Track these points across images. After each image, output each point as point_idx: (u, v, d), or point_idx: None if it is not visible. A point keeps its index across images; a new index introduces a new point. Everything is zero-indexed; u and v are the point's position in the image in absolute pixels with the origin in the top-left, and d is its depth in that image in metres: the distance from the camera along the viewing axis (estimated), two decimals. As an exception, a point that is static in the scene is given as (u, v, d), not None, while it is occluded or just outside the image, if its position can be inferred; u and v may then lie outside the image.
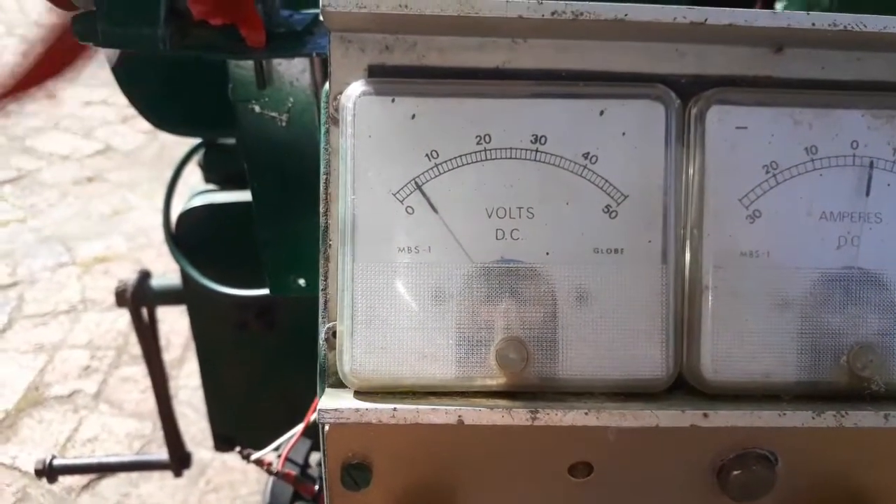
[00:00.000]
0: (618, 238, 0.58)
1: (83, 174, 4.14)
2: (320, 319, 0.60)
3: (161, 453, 1.95)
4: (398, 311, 0.57)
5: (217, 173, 1.52)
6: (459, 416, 0.55)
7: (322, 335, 0.60)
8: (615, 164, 0.58)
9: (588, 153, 0.58)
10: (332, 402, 0.55)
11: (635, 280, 0.58)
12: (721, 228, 0.58)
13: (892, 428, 0.57)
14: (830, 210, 0.59)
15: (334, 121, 0.58)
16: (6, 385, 2.88)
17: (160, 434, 1.92)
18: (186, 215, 1.49)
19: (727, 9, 0.55)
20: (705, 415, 0.56)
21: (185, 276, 1.56)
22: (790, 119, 0.59)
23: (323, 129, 0.59)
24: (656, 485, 0.63)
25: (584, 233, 0.58)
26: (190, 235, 1.51)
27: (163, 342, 2.58)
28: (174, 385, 2.82)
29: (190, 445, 1.96)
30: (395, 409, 0.55)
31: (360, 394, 0.58)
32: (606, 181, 0.58)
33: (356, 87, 0.57)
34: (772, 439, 0.60)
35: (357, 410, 0.55)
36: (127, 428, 2.75)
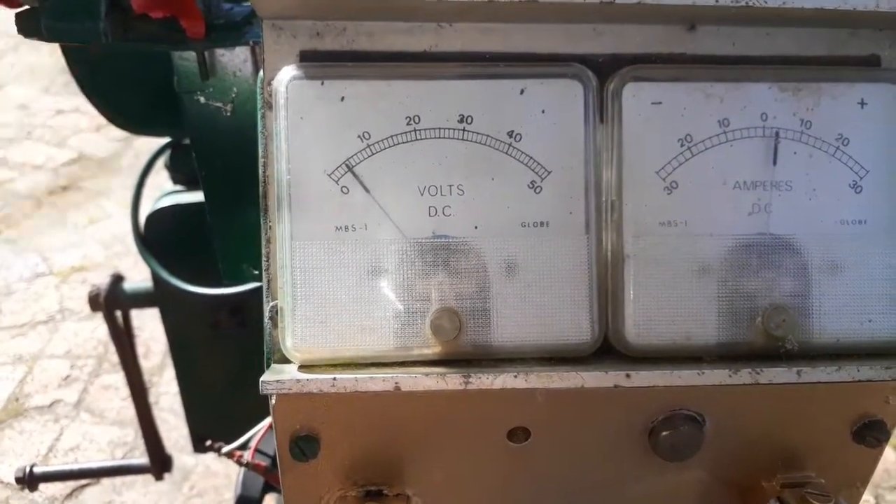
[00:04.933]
0: (543, 211, 0.61)
1: (58, 183, 4.13)
2: (265, 298, 0.63)
3: (142, 458, 1.96)
4: (336, 286, 0.60)
5: (183, 174, 1.54)
6: (396, 383, 0.58)
7: (267, 314, 0.63)
8: (538, 142, 0.61)
9: (512, 131, 0.61)
10: (274, 375, 0.58)
11: (560, 251, 0.61)
12: (640, 200, 0.62)
13: (805, 383, 0.60)
14: (743, 179, 0.62)
15: (269, 105, 0.61)
16: (-15, 397, 2.88)
17: (143, 441, 1.93)
18: (154, 216, 1.51)
19: (637, -10, 0.58)
20: (628, 375, 0.59)
21: (156, 277, 1.58)
22: (703, 93, 0.62)
23: (259, 115, 0.62)
24: (592, 448, 0.66)
25: (510, 207, 0.61)
26: (159, 236, 1.52)
27: (142, 349, 2.60)
28: (155, 392, 2.83)
29: (173, 451, 1.98)
30: (335, 379, 0.58)
31: (304, 367, 0.60)
32: (531, 158, 0.61)
33: (287, 72, 0.59)
34: (698, 400, 0.63)
35: (298, 381, 0.58)
36: (109, 436, 2.75)
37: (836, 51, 0.65)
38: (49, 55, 5.27)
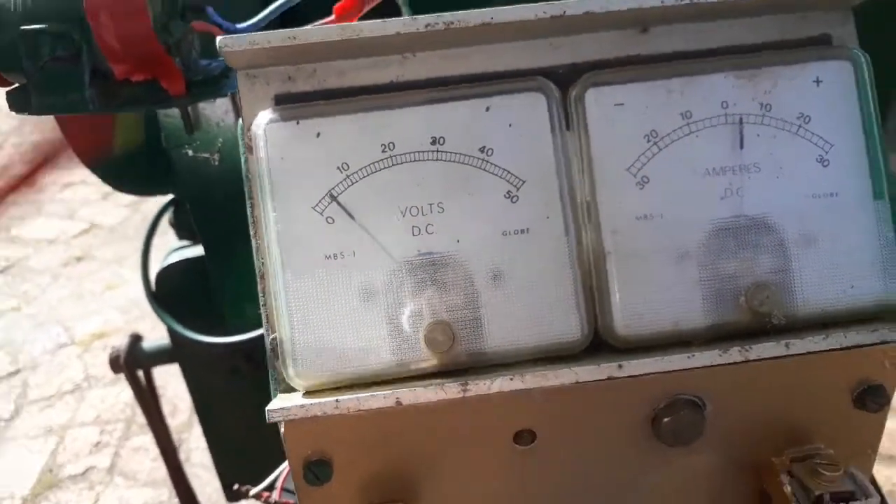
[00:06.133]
0: (522, 220, 0.64)
1: (71, 254, 4.21)
2: (265, 332, 0.65)
3: (178, 517, 1.97)
4: (331, 312, 0.62)
5: (188, 229, 1.58)
6: (397, 398, 0.60)
7: (268, 346, 0.65)
8: (510, 154, 0.64)
9: (484, 147, 0.64)
10: (279, 403, 0.60)
11: (543, 254, 0.63)
12: (614, 198, 0.64)
13: (795, 354, 0.62)
14: (712, 166, 0.65)
15: (250, 149, 0.64)
16: (20, 472, 2.91)
17: (177, 501, 1.94)
18: (164, 273, 1.54)
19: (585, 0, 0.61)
20: (620, 366, 0.60)
21: (172, 332, 1.61)
22: (663, 90, 0.65)
23: (243, 159, 0.65)
24: (599, 443, 0.67)
25: (490, 219, 0.64)
26: (170, 292, 1.56)
27: (169, 408, 2.63)
28: (185, 448, 2.85)
29: (207, 505, 1.99)
30: (337, 401, 0.60)
31: (309, 394, 0.62)
32: (504, 170, 0.64)
33: (263, 116, 0.63)
34: (696, 384, 0.65)
35: (303, 406, 0.60)
36: (144, 497, 2.77)
37: (789, 35, 0.68)
38: (52, 131, 5.39)
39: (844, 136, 0.65)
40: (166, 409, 1.91)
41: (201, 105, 0.85)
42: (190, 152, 0.89)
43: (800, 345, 0.61)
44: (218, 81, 0.74)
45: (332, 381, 0.62)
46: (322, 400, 0.60)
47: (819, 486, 0.64)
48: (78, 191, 4.74)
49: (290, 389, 0.64)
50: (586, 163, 0.64)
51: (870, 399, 0.66)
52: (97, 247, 4.25)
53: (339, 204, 0.63)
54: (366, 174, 0.63)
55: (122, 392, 3.17)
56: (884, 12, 0.68)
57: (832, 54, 0.66)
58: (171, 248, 1.60)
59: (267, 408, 0.60)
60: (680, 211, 0.64)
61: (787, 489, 0.65)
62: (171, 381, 2.75)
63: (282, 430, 0.62)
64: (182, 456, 2.14)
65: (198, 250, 1.54)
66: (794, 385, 0.66)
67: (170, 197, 1.57)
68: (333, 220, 0.63)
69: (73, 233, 4.41)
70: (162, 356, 1.77)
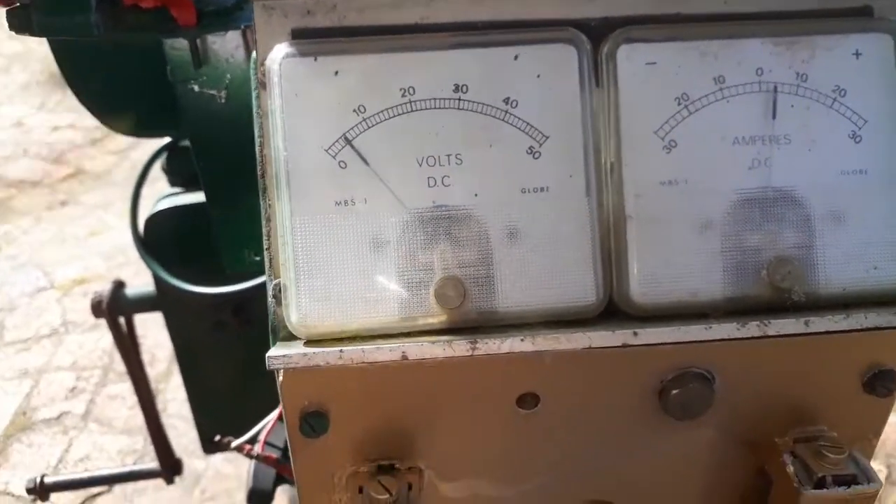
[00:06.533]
0: (542, 177, 0.61)
1: (56, 199, 4.14)
2: (267, 278, 0.63)
3: (152, 463, 1.96)
4: (339, 260, 0.60)
5: (181, 176, 1.54)
6: (403, 353, 0.58)
7: (270, 292, 0.63)
8: (535, 107, 0.61)
9: (508, 98, 0.61)
10: (281, 350, 0.58)
11: (562, 214, 0.61)
12: (639, 160, 0.62)
13: (814, 333, 0.60)
14: (742, 135, 0.62)
15: (263, 85, 0.60)
16: (-7, 412, 2.88)
17: (152, 448, 1.93)
18: (153, 219, 1.51)
19: (624, -49, 0.58)
20: (635, 333, 0.59)
21: (158, 280, 1.58)
22: (696, 52, 0.62)
23: (254, 95, 0.62)
24: (602, 412, 0.66)
25: (510, 174, 0.61)
26: (159, 239, 1.52)
27: (147, 357, 2.60)
28: (162, 399, 2.83)
29: (182, 455, 1.98)
30: (341, 351, 0.57)
31: (310, 343, 0.60)
32: (528, 124, 0.61)
33: (280, 50, 0.59)
34: (707, 358, 0.63)
35: (305, 355, 0.57)
36: (118, 445, 2.75)
37: (828, 4, 0.65)
38: (41, 73, 5.27)
39: (879, 112, 0.63)
40: (145, 358, 1.89)
41: (210, 39, 0.81)
42: (196, 88, 0.85)
43: (820, 323, 0.60)
44: (230, 13, 0.70)
45: (336, 331, 0.60)
46: (326, 349, 0.58)
47: (822, 468, 0.63)
48: (65, 134, 4.64)
49: (291, 338, 0.62)
50: (613, 122, 0.62)
51: (879, 384, 0.65)
52: (83, 192, 4.18)
53: (353, 148, 0.60)
54: (383, 119, 0.60)
55: (100, 339, 3.14)
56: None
57: (873, 27, 0.64)
58: (161, 195, 1.56)
59: (267, 354, 0.57)
60: (706, 178, 0.62)
61: (790, 469, 0.64)
62: (150, 331, 2.72)
63: (279, 378, 0.59)
64: (159, 406, 2.13)
65: (190, 197, 1.51)
66: (806, 364, 0.65)
67: (165, 141, 1.53)
68: (346, 165, 0.60)
69: (58, 176, 4.33)
70: (145, 304, 1.74)
